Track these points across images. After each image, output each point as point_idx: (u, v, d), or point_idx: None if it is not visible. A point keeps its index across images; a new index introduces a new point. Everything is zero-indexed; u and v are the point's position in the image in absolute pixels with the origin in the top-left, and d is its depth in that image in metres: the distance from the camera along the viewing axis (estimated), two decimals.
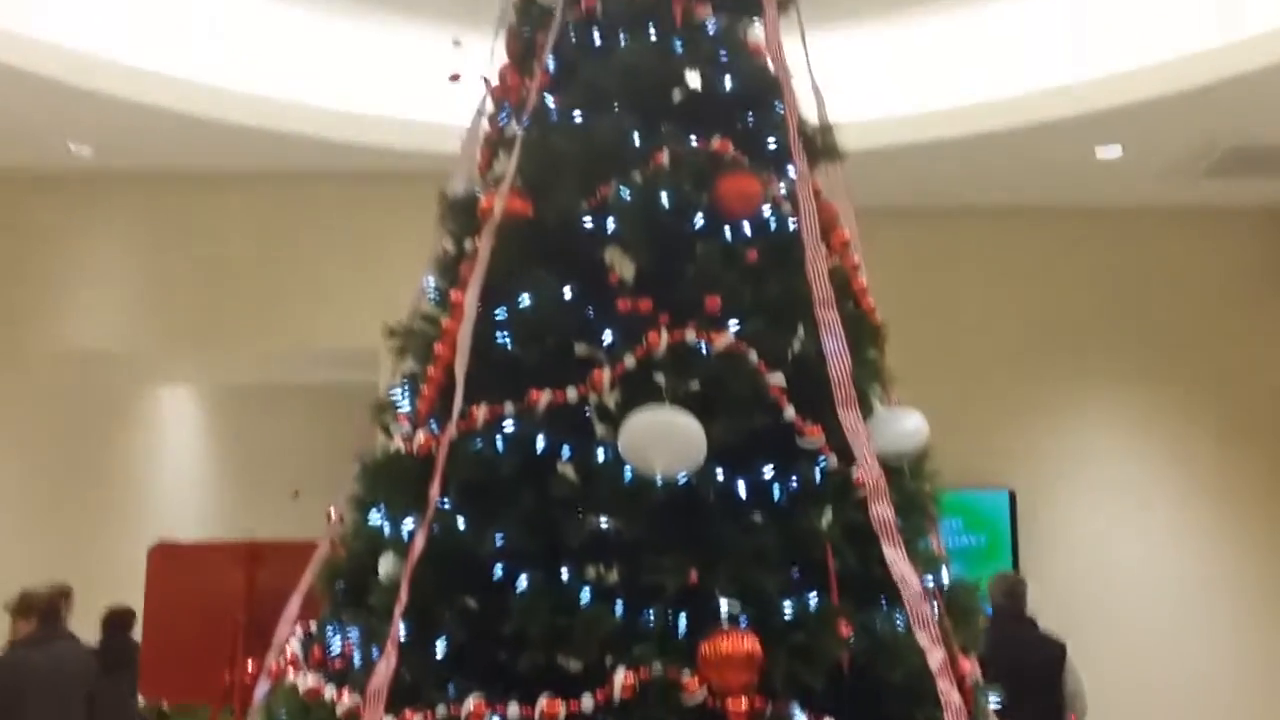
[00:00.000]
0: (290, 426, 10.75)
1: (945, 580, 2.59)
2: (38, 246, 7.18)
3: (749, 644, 2.12)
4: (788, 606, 2.23)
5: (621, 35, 2.73)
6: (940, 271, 7.82)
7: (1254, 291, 7.86)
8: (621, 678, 2.09)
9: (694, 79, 2.78)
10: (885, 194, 7.30)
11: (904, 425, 2.54)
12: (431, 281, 2.77)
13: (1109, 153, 6.76)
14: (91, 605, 7.47)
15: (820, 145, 2.82)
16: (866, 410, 2.53)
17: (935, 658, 2.17)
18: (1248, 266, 7.89)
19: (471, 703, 2.09)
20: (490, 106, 2.92)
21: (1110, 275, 7.89)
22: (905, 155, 6.71)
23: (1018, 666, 5.15)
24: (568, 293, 2.45)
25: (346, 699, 2.22)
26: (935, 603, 2.48)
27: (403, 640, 2.18)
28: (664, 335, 2.35)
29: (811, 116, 2.91)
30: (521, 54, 2.91)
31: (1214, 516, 7.69)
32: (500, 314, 2.47)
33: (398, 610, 2.17)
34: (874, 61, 6.40)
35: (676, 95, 2.75)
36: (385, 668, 2.12)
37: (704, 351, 2.36)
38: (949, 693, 2.13)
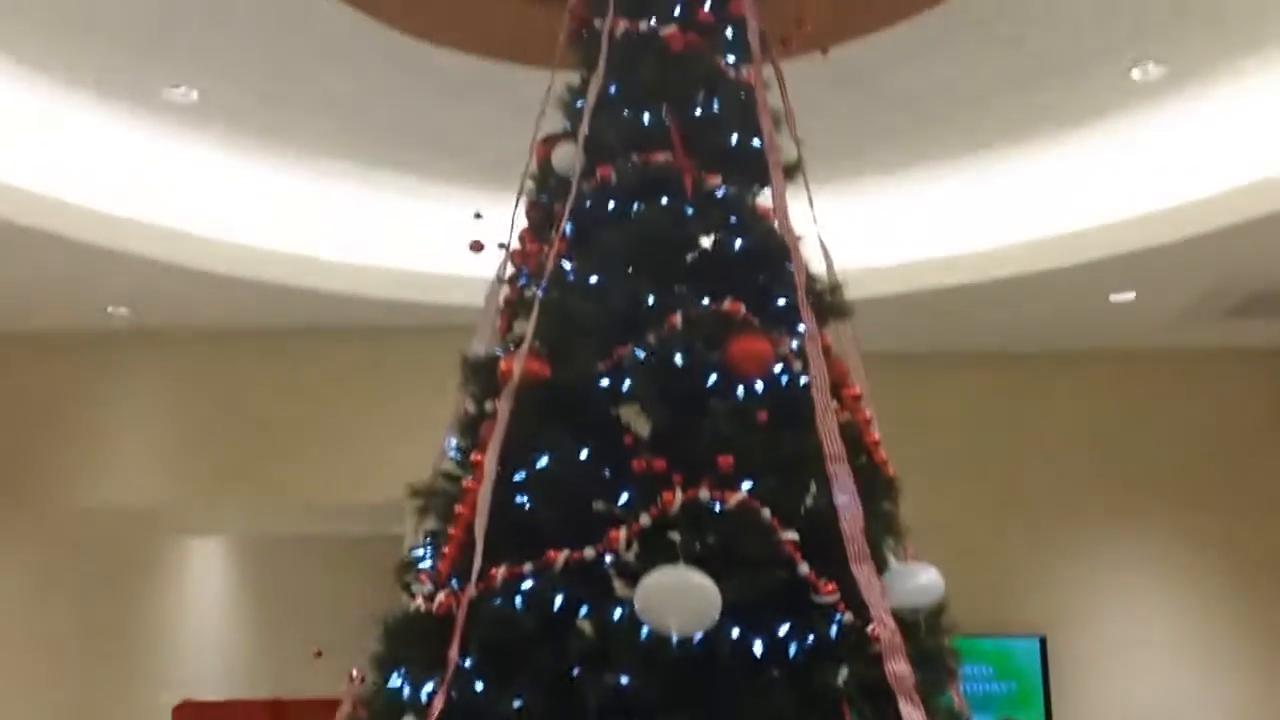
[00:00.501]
0: (315, 578, 10.75)
1: None
2: (73, 404, 7.33)
3: None
4: None
5: (635, 203, 2.84)
6: (962, 417, 7.86)
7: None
8: None
9: (706, 241, 2.88)
10: (907, 340, 7.42)
11: (918, 580, 2.56)
12: (453, 441, 2.83)
13: (1123, 298, 6.84)
14: None
15: (829, 303, 2.90)
16: (881, 564, 2.55)
17: None
18: (1273, 403, 7.91)
19: None
20: (510, 271, 3.02)
21: (1135, 417, 7.91)
22: (925, 301, 6.82)
23: None
24: (584, 453, 2.51)
25: None
26: None
27: None
28: (678, 494, 2.40)
29: (822, 274, 3.00)
30: (540, 221, 3.02)
31: (1247, 655, 7.58)
32: (519, 475, 2.52)
33: None
34: (894, 211, 6.54)
35: (689, 258, 2.84)
36: None
37: (717, 510, 2.40)
38: None
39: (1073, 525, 7.76)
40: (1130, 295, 6.83)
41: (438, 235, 6.50)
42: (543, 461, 2.51)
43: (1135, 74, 5.15)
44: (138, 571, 9.11)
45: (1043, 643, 7.53)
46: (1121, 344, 7.67)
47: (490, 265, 3.16)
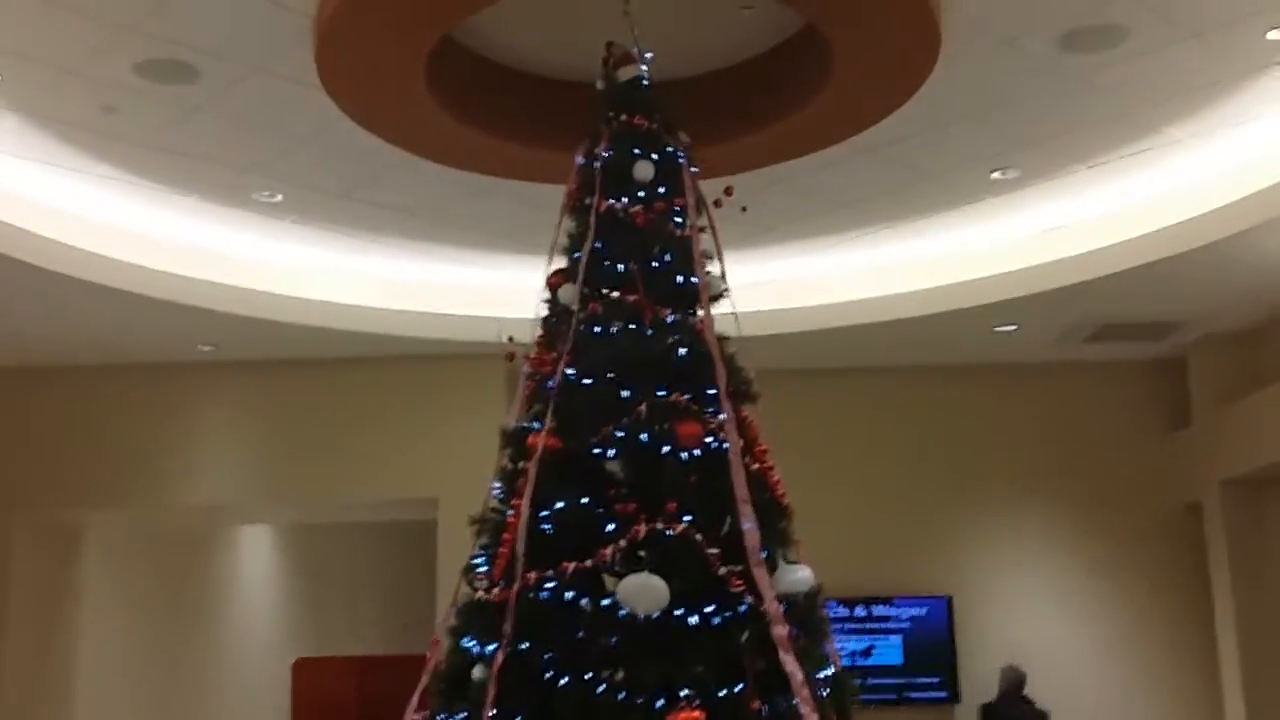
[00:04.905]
0: (349, 557, 11.96)
1: (830, 672, 3.81)
2: (166, 422, 8.42)
3: (697, 715, 3.30)
4: (721, 692, 3.44)
5: (614, 328, 4.03)
6: (883, 420, 9.06)
7: (1143, 427, 9.08)
8: None
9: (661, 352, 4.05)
10: (845, 358, 8.64)
11: (796, 575, 3.75)
12: (497, 485, 4.03)
13: (1007, 329, 8.08)
14: (180, 704, 8.68)
15: (745, 391, 4.09)
16: (774, 565, 3.77)
17: (810, 719, 3.40)
18: (1136, 406, 9.13)
19: None
20: (528, 369, 4.21)
21: (1029, 415, 9.11)
22: (853, 332, 8.00)
23: None
24: (584, 499, 3.70)
25: None
26: (824, 688, 3.70)
27: (491, 716, 3.40)
28: (644, 526, 3.58)
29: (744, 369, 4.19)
30: (549, 336, 4.21)
31: (1104, 599, 8.84)
32: (544, 512, 3.72)
33: (489, 700, 3.40)
34: (821, 269, 7.78)
35: (649, 365, 4.00)
36: None
37: (668, 535, 3.59)
38: None
39: (973, 509, 8.96)
40: (1012, 327, 8.08)
41: (464, 289, 7.74)
42: (559, 504, 3.70)
43: (995, 175, 6.38)
44: (208, 552, 10.33)
45: (949, 601, 8.79)
46: (1006, 361, 8.87)
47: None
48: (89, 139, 5.66)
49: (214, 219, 6.70)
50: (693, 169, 4.43)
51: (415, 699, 3.90)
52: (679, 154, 4.38)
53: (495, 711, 3.39)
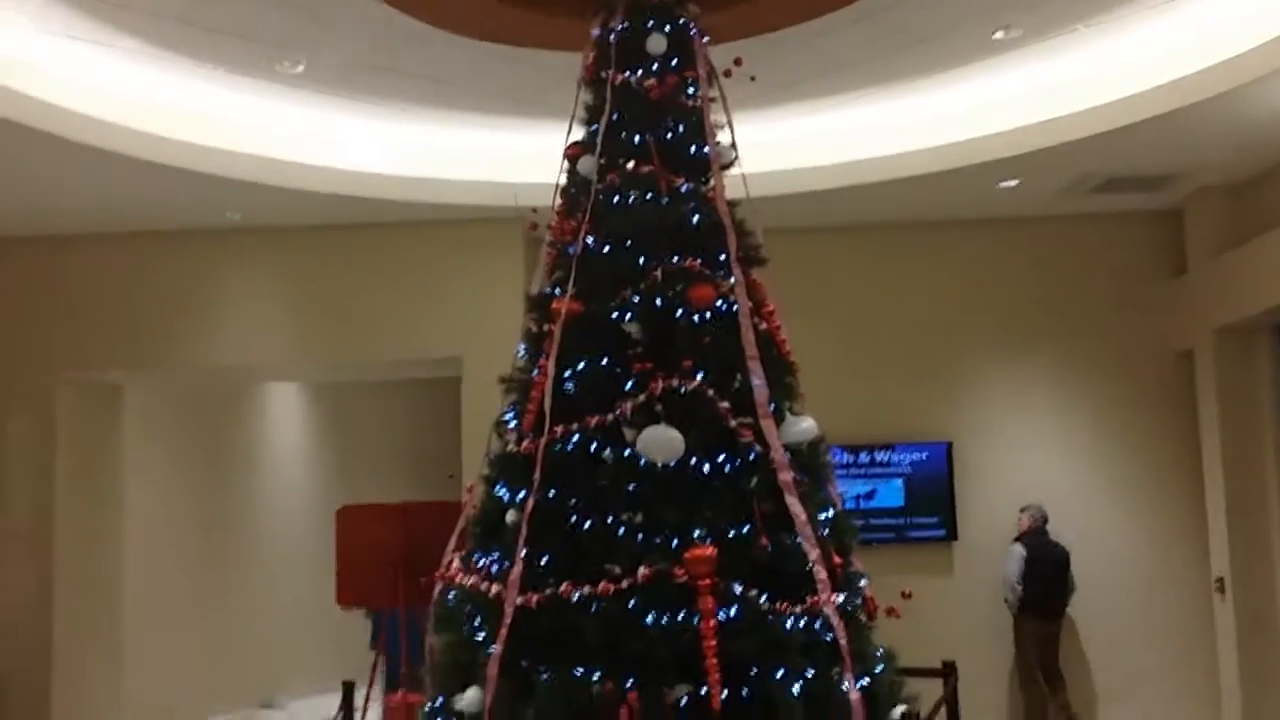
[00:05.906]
0: (377, 414, 12.34)
1: (831, 513, 4.11)
2: (198, 286, 8.68)
3: (710, 552, 3.61)
4: (732, 532, 3.74)
5: (631, 197, 4.21)
6: (887, 275, 9.23)
7: (1140, 277, 9.23)
8: (642, 572, 3.61)
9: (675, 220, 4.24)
10: (850, 216, 8.80)
11: (800, 426, 4.02)
12: (523, 348, 4.28)
13: (1009, 184, 8.20)
14: (221, 551, 9.06)
15: (754, 256, 4.29)
16: (781, 417, 4.02)
17: (812, 555, 3.70)
18: (1133, 257, 9.27)
19: (563, 587, 3.63)
20: (550, 237, 4.41)
21: (1028, 267, 9.24)
22: (859, 190, 8.11)
23: (1045, 560, 8.48)
24: (605, 360, 3.94)
25: (494, 588, 3.78)
26: (825, 528, 3.99)
27: (523, 555, 3.72)
28: (660, 383, 3.83)
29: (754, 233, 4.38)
30: (569, 205, 4.40)
31: (1109, 448, 9.10)
32: (568, 372, 3.97)
33: (521, 540, 3.70)
34: (840, 127, 7.87)
35: (664, 232, 4.20)
36: (517, 570, 3.67)
37: (683, 391, 3.84)
38: (820, 573, 3.67)
39: (973, 359, 9.16)
40: (1015, 182, 8.19)
41: (483, 154, 7.87)
42: (581, 364, 3.93)
43: (998, 35, 6.44)
44: (243, 409, 10.70)
45: (949, 446, 9.11)
46: (1007, 215, 9.00)
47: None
48: (116, 14, 5.76)
49: (239, 90, 6.82)
50: (703, 39, 4.54)
51: (453, 541, 4.22)
52: (690, 26, 4.49)
53: (526, 551, 3.69)
